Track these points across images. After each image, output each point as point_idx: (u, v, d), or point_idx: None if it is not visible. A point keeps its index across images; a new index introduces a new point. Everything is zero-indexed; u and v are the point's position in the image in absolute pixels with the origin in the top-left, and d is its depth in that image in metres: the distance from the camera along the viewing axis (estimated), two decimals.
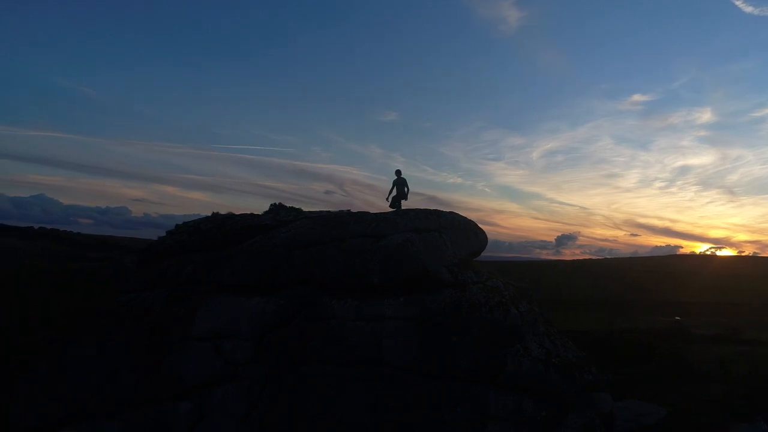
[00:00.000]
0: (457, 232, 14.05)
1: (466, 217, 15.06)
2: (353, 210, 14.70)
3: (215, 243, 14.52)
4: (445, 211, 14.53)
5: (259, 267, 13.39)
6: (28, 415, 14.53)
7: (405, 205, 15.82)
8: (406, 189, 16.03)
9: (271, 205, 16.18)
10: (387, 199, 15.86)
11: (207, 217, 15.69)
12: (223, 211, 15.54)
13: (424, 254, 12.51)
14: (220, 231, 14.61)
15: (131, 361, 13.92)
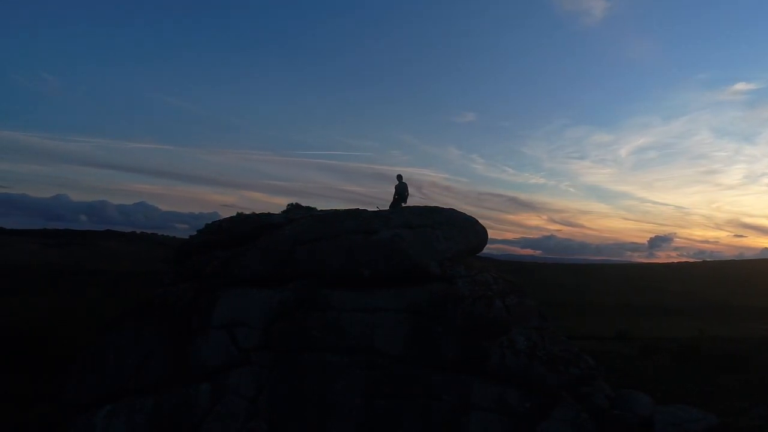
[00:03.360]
0: (452, 228, 14.48)
1: (465, 214, 15.44)
2: None
3: (234, 241, 15.87)
4: (445, 208, 15.02)
5: (267, 262, 14.55)
6: (78, 392, 16.57)
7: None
8: (406, 193, 16.83)
9: (288, 204, 17.37)
10: (390, 207, 16.69)
11: (230, 217, 17.10)
12: None
13: (413, 249, 13.10)
14: (238, 229, 15.96)
15: (162, 347, 15.54)
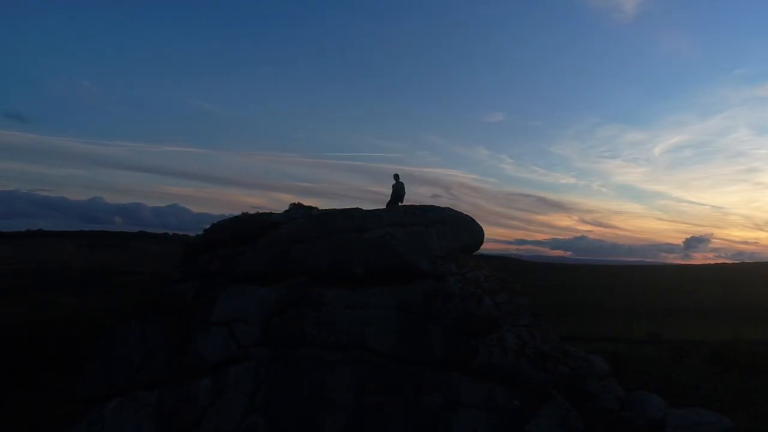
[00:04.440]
0: (446, 227, 14.53)
1: (460, 213, 15.45)
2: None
3: (237, 240, 16.22)
4: (441, 207, 15.06)
5: (264, 260, 14.84)
6: (90, 387, 17.16)
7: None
8: (402, 192, 16.90)
9: (291, 204, 17.63)
10: (387, 206, 16.80)
11: (234, 217, 17.47)
12: None
13: (403, 247, 13.20)
14: (240, 229, 16.31)
15: (166, 343, 15.98)
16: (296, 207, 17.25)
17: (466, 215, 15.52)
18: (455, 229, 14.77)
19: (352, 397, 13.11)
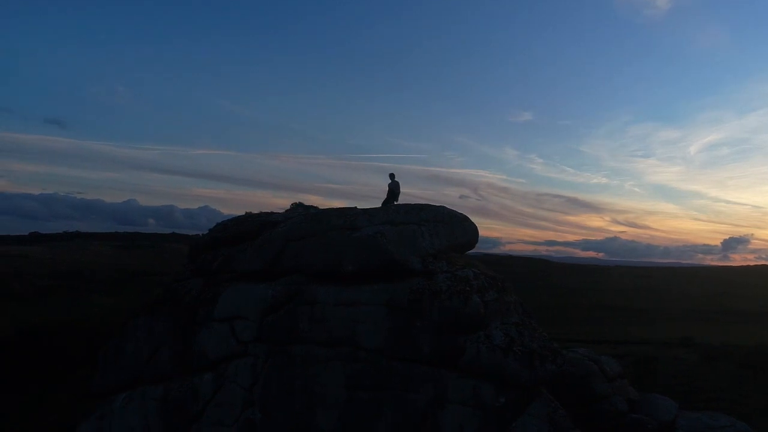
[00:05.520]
0: (439, 225, 14.62)
1: (454, 211, 15.51)
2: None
3: (237, 238, 16.67)
4: (434, 205, 15.16)
5: (261, 258, 15.21)
6: (102, 381, 17.84)
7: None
8: (397, 191, 17.17)
9: (292, 204, 18.01)
10: (382, 204, 17.10)
11: (236, 216, 17.95)
12: None
13: (393, 245, 13.36)
14: (241, 227, 16.75)
15: (171, 338, 16.51)
16: (296, 206, 17.62)
17: (460, 213, 15.60)
18: (448, 227, 14.86)
19: (344, 392, 13.34)
